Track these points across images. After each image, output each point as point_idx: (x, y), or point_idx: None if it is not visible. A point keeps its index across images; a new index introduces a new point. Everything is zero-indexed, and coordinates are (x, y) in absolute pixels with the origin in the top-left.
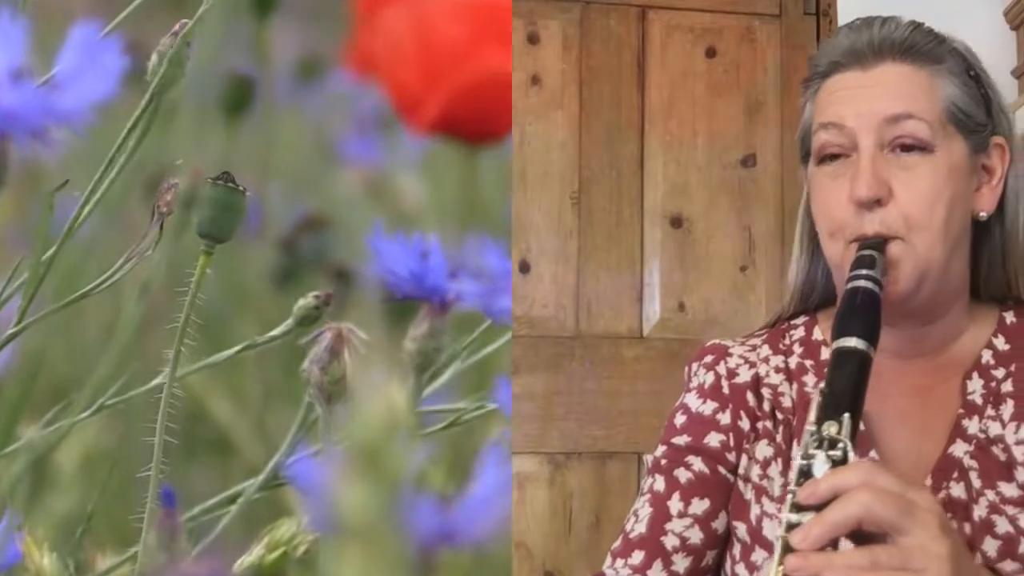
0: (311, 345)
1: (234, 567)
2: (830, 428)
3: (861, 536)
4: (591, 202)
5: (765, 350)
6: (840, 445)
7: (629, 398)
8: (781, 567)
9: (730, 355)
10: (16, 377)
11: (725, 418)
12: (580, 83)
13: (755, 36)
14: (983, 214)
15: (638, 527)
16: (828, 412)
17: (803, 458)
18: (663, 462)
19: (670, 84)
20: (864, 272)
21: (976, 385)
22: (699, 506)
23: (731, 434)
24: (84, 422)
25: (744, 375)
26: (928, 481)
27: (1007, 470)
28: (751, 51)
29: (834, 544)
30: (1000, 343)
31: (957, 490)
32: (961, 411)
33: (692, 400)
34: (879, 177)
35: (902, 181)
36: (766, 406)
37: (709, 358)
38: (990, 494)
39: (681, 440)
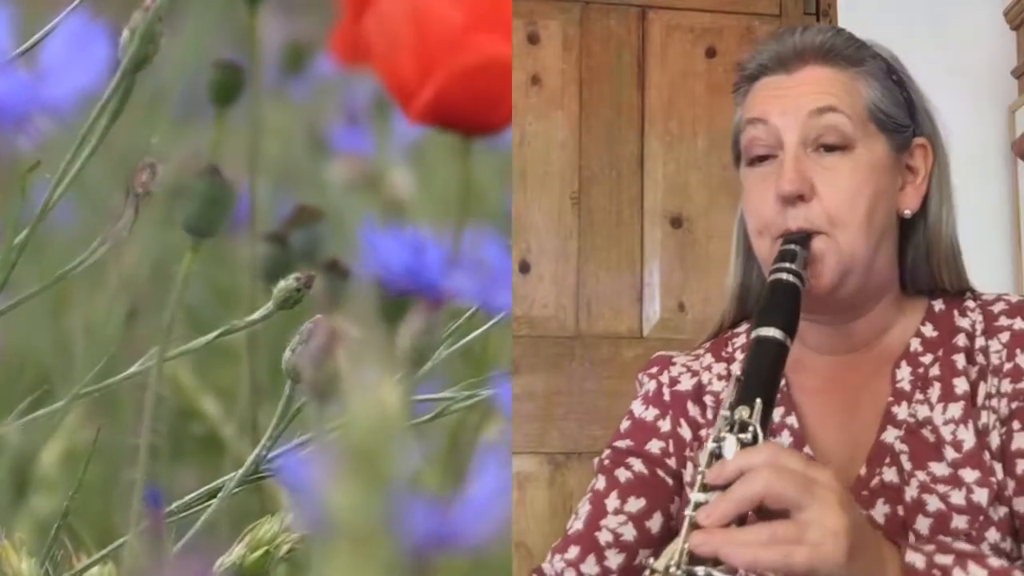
0: (301, 340)
1: (214, 568)
2: (742, 412)
3: (768, 515)
4: (591, 202)
5: (708, 358)
6: (750, 428)
7: (629, 398)
8: (686, 544)
9: (673, 364)
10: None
11: (665, 425)
12: (580, 83)
13: (755, 36)
14: (907, 212)
15: (576, 524)
16: (742, 397)
17: (714, 441)
18: (606, 463)
19: (670, 84)
20: (786, 265)
21: (904, 372)
22: (635, 504)
23: (671, 441)
24: (68, 418)
25: (686, 383)
26: (863, 469)
27: (936, 450)
28: (751, 51)
29: (741, 521)
30: (928, 330)
31: (889, 474)
32: (891, 399)
33: (637, 407)
34: (802, 174)
35: (824, 179)
36: (709, 414)
37: (654, 368)
38: (921, 475)
39: (623, 444)
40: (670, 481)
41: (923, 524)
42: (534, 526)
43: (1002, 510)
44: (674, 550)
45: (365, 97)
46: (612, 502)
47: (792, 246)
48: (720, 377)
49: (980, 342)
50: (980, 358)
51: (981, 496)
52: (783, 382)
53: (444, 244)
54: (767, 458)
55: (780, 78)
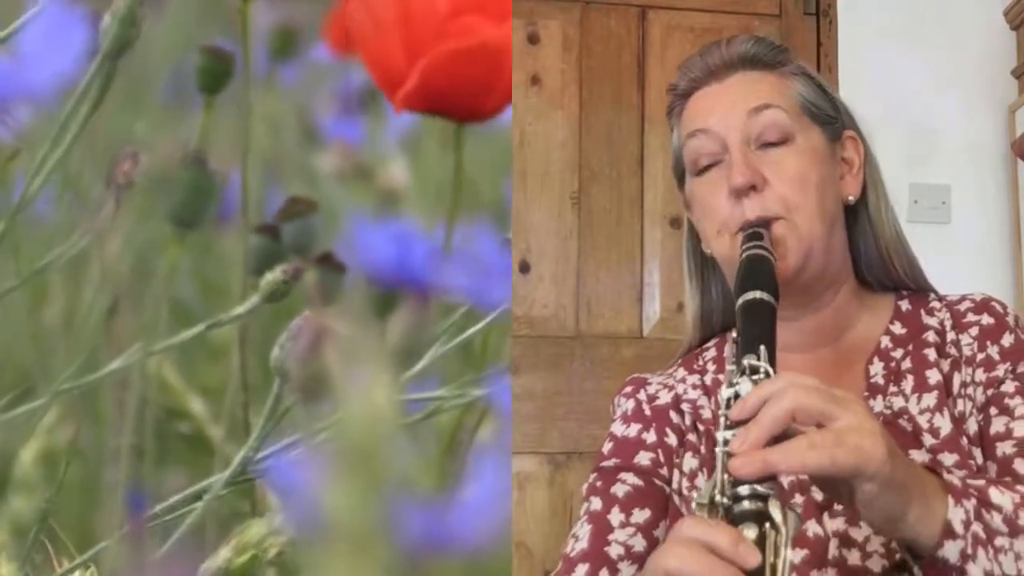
0: (290, 337)
1: (199, 571)
2: (750, 359)
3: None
4: (591, 202)
5: (681, 372)
6: (762, 369)
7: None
8: (726, 475)
9: (648, 384)
10: None
11: (651, 436)
12: (580, 83)
13: None
14: (851, 198)
15: (579, 545)
16: (745, 349)
17: (729, 386)
18: (598, 484)
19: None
20: (755, 243)
21: (877, 368)
22: (640, 515)
23: (659, 450)
24: (47, 417)
25: (664, 398)
26: None
27: (914, 438)
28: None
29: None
30: (897, 328)
31: None
32: (866, 394)
33: (617, 427)
34: (751, 165)
35: (773, 171)
36: (687, 420)
37: (628, 388)
38: None
39: (611, 463)
40: (666, 489)
41: None
42: (534, 526)
43: None
44: (714, 481)
45: (359, 84)
46: (616, 516)
47: (756, 228)
48: (695, 387)
49: (951, 336)
50: (952, 350)
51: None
52: None
53: (436, 237)
54: (789, 380)
55: (712, 88)
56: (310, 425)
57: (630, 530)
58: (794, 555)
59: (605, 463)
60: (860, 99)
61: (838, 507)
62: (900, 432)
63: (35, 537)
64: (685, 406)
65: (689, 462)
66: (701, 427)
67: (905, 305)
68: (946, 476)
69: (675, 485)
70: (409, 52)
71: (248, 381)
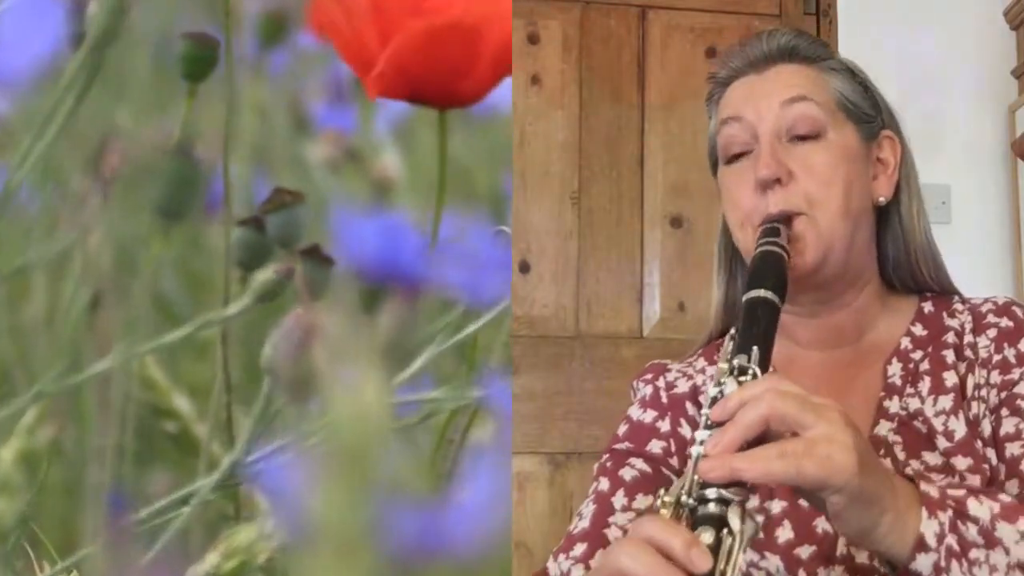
0: (280, 335)
1: None
2: (740, 359)
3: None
4: (591, 202)
5: (701, 363)
6: (750, 371)
7: (629, 398)
8: (695, 476)
9: (668, 371)
10: None
11: (665, 425)
12: (580, 83)
13: None
14: (882, 199)
15: (581, 524)
16: (739, 348)
17: (715, 385)
18: (608, 465)
19: (670, 84)
20: (770, 239)
21: (896, 368)
22: (643, 501)
23: (672, 440)
24: (28, 417)
25: (682, 387)
26: None
27: (929, 440)
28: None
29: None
30: (918, 330)
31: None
32: (882, 394)
33: (634, 411)
34: (778, 159)
35: (800, 165)
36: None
37: (649, 375)
38: (914, 464)
39: (623, 446)
40: (674, 479)
41: None
42: (534, 526)
43: None
44: (683, 482)
45: (349, 71)
46: (619, 500)
47: (774, 224)
48: (713, 378)
49: (969, 339)
50: (969, 353)
51: (974, 483)
52: None
53: (429, 229)
54: (768, 385)
55: (751, 78)
56: (298, 426)
57: (630, 515)
58: (801, 551)
59: (618, 445)
60: None
61: None
62: (915, 434)
63: (16, 541)
64: (703, 398)
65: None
66: None
67: (928, 307)
68: (923, 487)
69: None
70: (381, 34)
71: (231, 380)
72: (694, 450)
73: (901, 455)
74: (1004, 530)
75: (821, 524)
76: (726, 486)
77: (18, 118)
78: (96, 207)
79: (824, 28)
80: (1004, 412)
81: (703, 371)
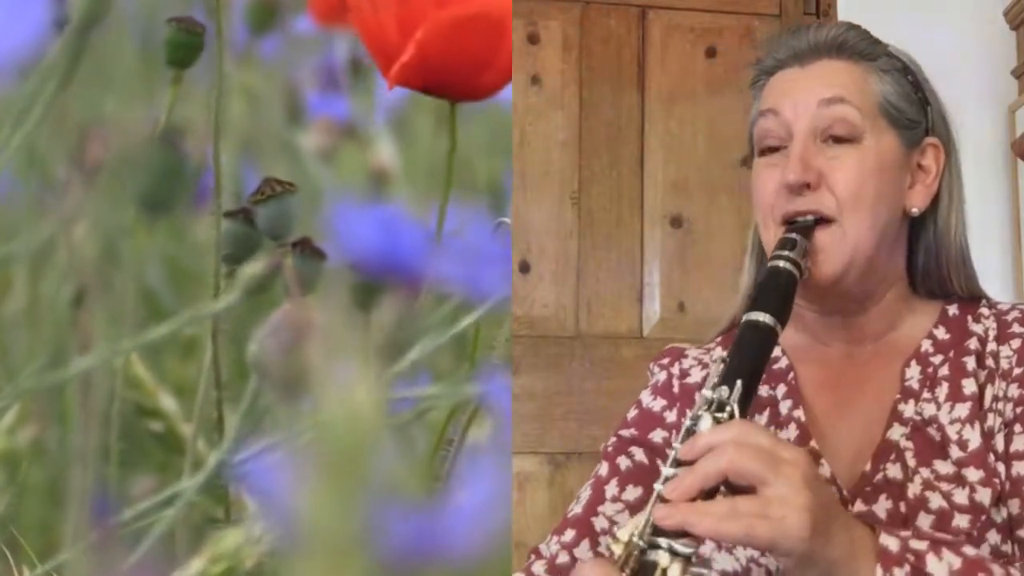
0: (268, 330)
1: None
2: (722, 392)
3: (738, 491)
4: (591, 202)
5: (718, 352)
6: (728, 408)
7: (629, 398)
8: (650, 516)
9: (685, 357)
10: None
11: (672, 416)
12: (580, 83)
13: (755, 36)
14: (915, 210)
15: (576, 508)
16: (725, 379)
17: (691, 419)
18: (609, 450)
19: (670, 84)
20: (784, 253)
21: (914, 371)
22: (632, 493)
23: (675, 431)
24: (8, 416)
25: (695, 376)
26: (868, 465)
27: (941, 448)
28: (751, 51)
29: (709, 495)
30: (941, 333)
31: (893, 470)
32: (898, 396)
33: (645, 396)
34: (809, 163)
35: (831, 169)
36: None
37: (665, 359)
38: (925, 472)
39: (628, 432)
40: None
41: (925, 521)
42: (534, 526)
43: (1005, 512)
44: (639, 521)
45: (343, 58)
46: (611, 489)
47: (792, 235)
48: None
49: (992, 347)
50: (990, 362)
51: (984, 496)
52: (791, 375)
53: (426, 221)
54: (735, 435)
55: (794, 71)
56: (289, 426)
57: (619, 506)
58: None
59: (624, 431)
60: None
61: (853, 509)
62: (927, 440)
63: None
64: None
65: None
66: None
67: (953, 310)
68: (882, 539)
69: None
70: (405, 23)
71: (221, 377)
72: (656, 486)
73: (912, 462)
74: None
75: None
76: (677, 536)
77: (2, 111)
78: (80, 198)
79: None
80: (1017, 428)
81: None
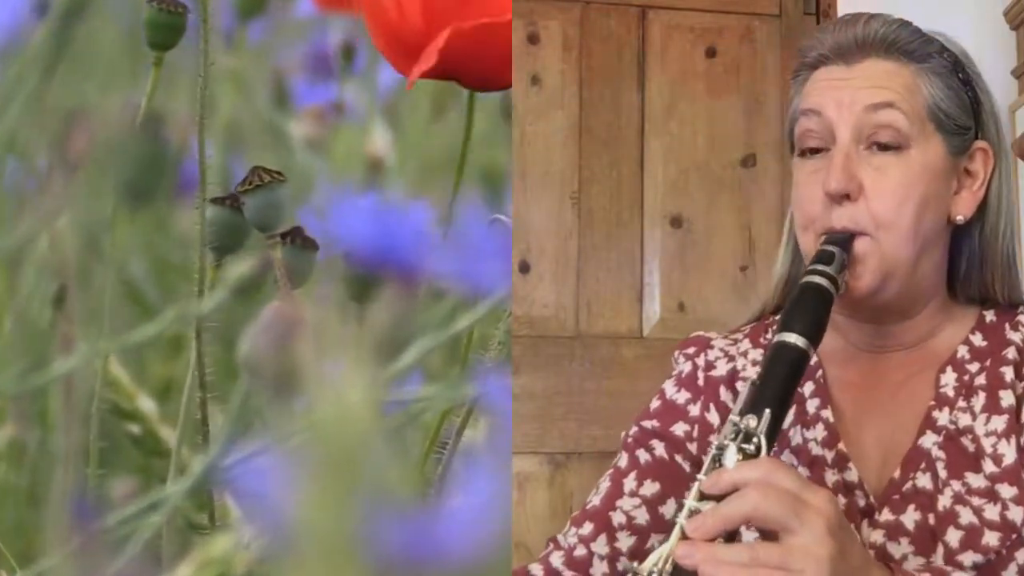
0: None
1: None
2: (749, 421)
3: (762, 530)
4: (591, 202)
5: (745, 344)
6: (755, 440)
7: (629, 398)
8: (672, 551)
9: (711, 347)
10: None
11: (695, 409)
12: (580, 83)
13: (755, 36)
14: (960, 218)
15: (595, 500)
16: (753, 406)
17: (717, 448)
18: (630, 441)
19: (670, 84)
20: (821, 268)
21: (949, 378)
22: (650, 488)
23: (697, 425)
24: None
25: (721, 369)
26: (897, 472)
27: (975, 461)
28: (751, 51)
29: (732, 536)
30: (978, 340)
31: (923, 480)
32: (932, 403)
33: (669, 387)
34: (850, 172)
35: (874, 179)
36: None
37: (691, 349)
38: (956, 484)
39: (650, 424)
40: (688, 467)
41: (954, 537)
42: (534, 526)
43: None
44: (660, 555)
45: (335, 43)
46: (629, 483)
47: (831, 247)
48: (755, 364)
49: None
50: None
51: (1016, 514)
52: (820, 373)
53: (421, 213)
54: (761, 475)
55: (839, 69)
56: (279, 427)
57: (636, 501)
58: None
59: (645, 422)
60: None
61: (879, 517)
62: (961, 451)
63: None
64: (740, 385)
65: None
66: None
67: (990, 316)
68: None
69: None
70: (431, 22)
71: (205, 377)
72: (680, 518)
73: (943, 473)
74: None
75: None
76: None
77: None
78: (62, 190)
79: None
80: None
81: (745, 354)
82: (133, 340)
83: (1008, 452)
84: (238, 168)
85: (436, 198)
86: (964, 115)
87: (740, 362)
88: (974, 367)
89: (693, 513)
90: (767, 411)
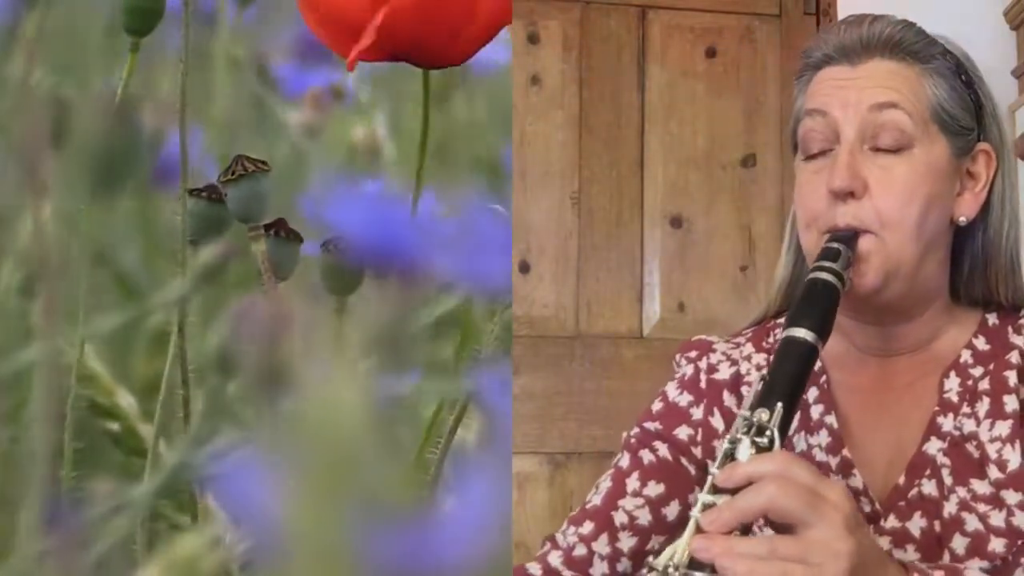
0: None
1: None
2: (761, 415)
3: (777, 525)
4: (591, 202)
5: (748, 348)
6: (767, 433)
7: (629, 398)
8: (687, 545)
9: (713, 351)
10: None
11: (698, 413)
12: (580, 83)
13: (755, 36)
14: (963, 219)
15: (595, 499)
16: (764, 400)
17: (729, 442)
18: (632, 441)
19: (670, 84)
20: (827, 264)
21: (953, 383)
22: (654, 489)
23: (700, 429)
24: None
25: (724, 372)
26: (901, 478)
27: (979, 467)
28: (751, 51)
29: (746, 529)
30: (981, 343)
31: (928, 487)
32: (937, 408)
33: (671, 389)
34: (855, 170)
35: (878, 178)
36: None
37: (693, 352)
38: (961, 491)
39: (652, 425)
40: (692, 470)
41: (960, 543)
42: (534, 526)
43: None
44: (676, 549)
45: None
46: (632, 483)
47: (836, 245)
48: (759, 368)
49: None
50: None
51: (1022, 520)
52: (823, 379)
53: (419, 203)
54: (777, 469)
55: (843, 69)
56: (261, 425)
57: (639, 501)
58: None
59: (648, 423)
60: None
61: (885, 524)
62: (965, 458)
63: None
64: (744, 389)
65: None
66: None
67: (993, 319)
68: None
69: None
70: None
71: (188, 371)
72: (694, 512)
73: (948, 479)
74: None
75: None
76: (713, 571)
77: None
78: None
79: (824, 28)
80: None
81: (749, 358)
82: (103, 328)
83: (1013, 457)
84: (225, 155)
85: (432, 189)
86: (967, 116)
87: (744, 366)
88: (978, 371)
89: (707, 507)
90: (779, 404)
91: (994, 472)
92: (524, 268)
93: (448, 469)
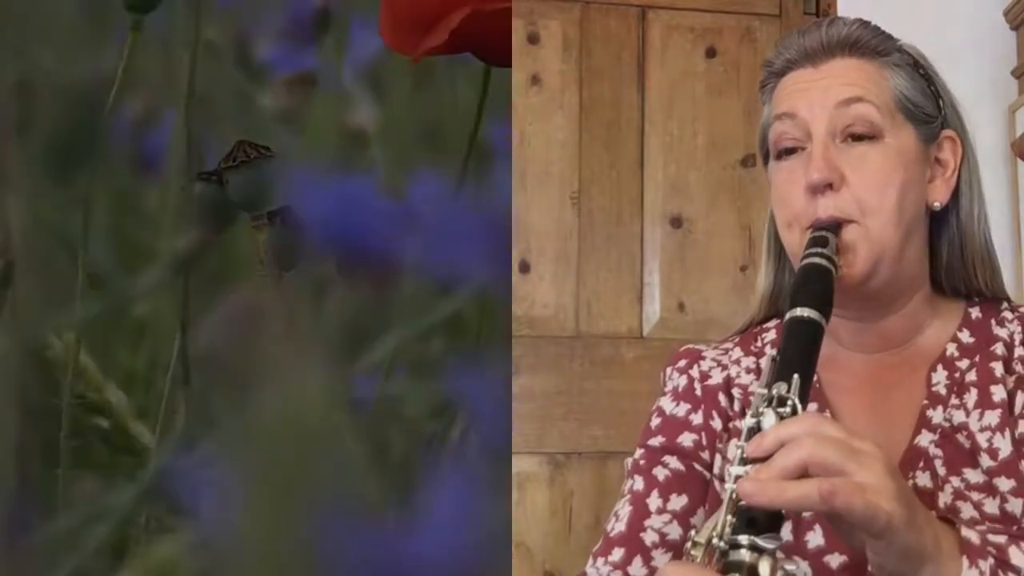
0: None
1: None
2: (780, 388)
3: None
4: (591, 202)
5: (737, 352)
6: (789, 403)
7: (629, 398)
8: (730, 515)
9: (703, 359)
10: None
11: (698, 418)
12: (580, 83)
13: (755, 36)
14: (937, 204)
15: (618, 526)
16: (779, 375)
17: (753, 416)
18: (641, 463)
19: (670, 84)
20: (818, 250)
21: (940, 376)
22: (677, 502)
23: (703, 433)
24: None
25: (716, 377)
26: None
27: (971, 457)
28: (751, 51)
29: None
30: (965, 336)
31: (923, 479)
32: (926, 402)
33: (667, 403)
34: (831, 162)
35: (854, 168)
36: (736, 406)
37: (683, 362)
38: (955, 481)
39: (656, 441)
40: (706, 474)
41: None
42: (534, 526)
43: None
44: (715, 522)
45: (308, 9)
46: (654, 501)
47: (823, 232)
48: (749, 371)
49: (1019, 352)
50: (1019, 367)
51: (1016, 506)
52: (815, 379)
53: (402, 192)
54: (808, 427)
55: (807, 71)
56: (234, 427)
57: (666, 517)
58: (831, 559)
59: (652, 441)
60: None
61: None
62: (957, 448)
63: None
64: (736, 391)
65: (733, 449)
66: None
67: (975, 312)
68: (964, 532)
69: (716, 470)
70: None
71: (166, 366)
72: (727, 486)
73: (941, 470)
74: None
75: None
76: (758, 532)
77: None
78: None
79: None
80: None
81: (738, 362)
82: (80, 317)
83: (1003, 445)
84: (207, 142)
85: (419, 175)
86: (930, 104)
87: (734, 369)
88: (964, 364)
89: (739, 479)
90: (795, 375)
91: (986, 460)
92: (524, 268)
93: (446, 469)
